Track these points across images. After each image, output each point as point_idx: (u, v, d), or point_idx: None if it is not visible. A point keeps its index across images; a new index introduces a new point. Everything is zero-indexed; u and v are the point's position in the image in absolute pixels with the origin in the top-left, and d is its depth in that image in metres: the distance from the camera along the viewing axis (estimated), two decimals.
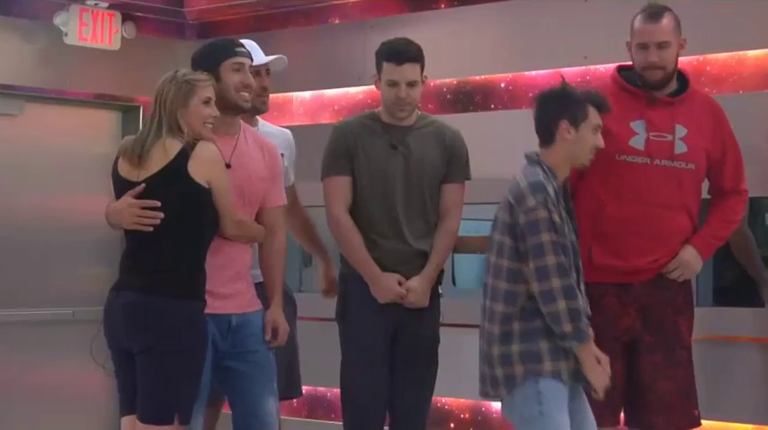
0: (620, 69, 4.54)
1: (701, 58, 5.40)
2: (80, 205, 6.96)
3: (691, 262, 4.43)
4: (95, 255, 6.98)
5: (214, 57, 4.35)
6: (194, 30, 7.29)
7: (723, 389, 5.24)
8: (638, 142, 4.40)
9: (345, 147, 4.61)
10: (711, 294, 5.36)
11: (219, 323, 4.24)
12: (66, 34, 6.58)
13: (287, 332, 4.41)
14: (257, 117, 4.77)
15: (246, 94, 4.35)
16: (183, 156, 4.08)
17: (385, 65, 4.53)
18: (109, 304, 4.21)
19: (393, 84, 4.51)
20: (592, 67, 5.70)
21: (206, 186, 4.10)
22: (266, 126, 4.82)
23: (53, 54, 6.66)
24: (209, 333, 4.19)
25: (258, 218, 4.40)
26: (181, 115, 4.11)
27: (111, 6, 6.71)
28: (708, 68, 5.39)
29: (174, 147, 4.08)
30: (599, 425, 4.20)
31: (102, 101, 6.99)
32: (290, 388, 4.81)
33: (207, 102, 4.15)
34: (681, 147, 4.40)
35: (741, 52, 5.31)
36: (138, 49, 6.93)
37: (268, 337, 4.36)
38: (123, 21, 6.82)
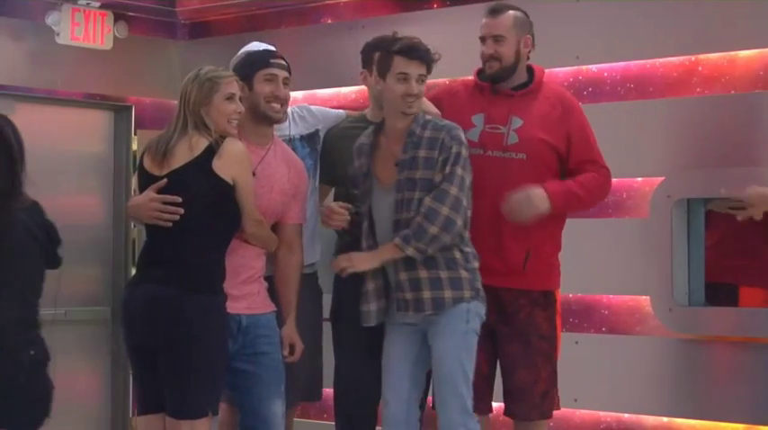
0: (479, 71, 4.67)
1: (693, 58, 5.41)
2: (72, 205, 6.95)
3: (528, 197, 4.35)
4: (88, 255, 6.97)
5: (249, 67, 4.41)
6: (186, 30, 7.29)
7: (714, 389, 5.25)
8: (474, 134, 4.51)
9: (325, 157, 4.75)
10: (703, 294, 5.36)
11: (229, 323, 4.25)
12: (57, 34, 6.57)
13: (302, 349, 4.45)
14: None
15: (277, 106, 4.39)
16: (210, 152, 4.10)
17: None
18: (127, 298, 4.21)
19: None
20: (584, 66, 5.71)
21: (230, 182, 4.12)
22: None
23: (45, 54, 6.65)
24: None
25: (276, 233, 4.42)
26: (205, 112, 4.13)
27: (103, 6, 6.70)
28: (699, 69, 5.40)
29: (200, 143, 4.11)
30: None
31: (93, 101, 6.98)
32: (309, 390, 4.83)
33: (230, 98, 4.16)
34: (513, 138, 4.49)
35: (732, 52, 5.31)
36: (130, 49, 6.92)
37: (285, 353, 4.40)
38: (115, 20, 6.81)
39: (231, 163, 4.12)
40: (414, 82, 4.31)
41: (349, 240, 4.51)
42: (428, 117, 4.38)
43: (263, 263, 4.40)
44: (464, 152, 4.29)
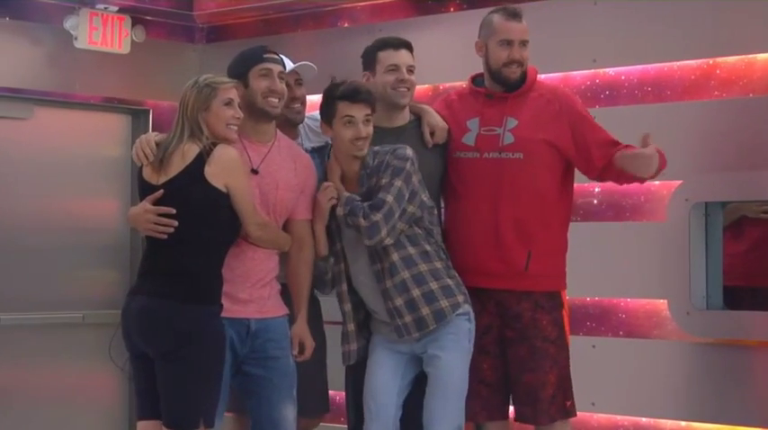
0: (474, 77, 4.68)
1: (711, 61, 5.40)
2: (89, 208, 6.98)
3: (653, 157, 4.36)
4: (105, 258, 6.99)
5: (243, 64, 4.38)
6: (204, 33, 7.30)
7: (732, 393, 5.23)
8: (469, 138, 4.54)
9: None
10: (722, 297, 5.35)
11: (238, 327, 4.25)
12: (75, 38, 6.59)
13: (313, 347, 4.43)
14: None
15: (274, 100, 4.34)
16: (200, 160, 4.09)
17: (381, 54, 4.60)
18: (125, 308, 4.22)
19: (394, 68, 4.57)
20: (601, 70, 5.70)
21: (224, 190, 4.10)
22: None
23: (63, 58, 6.67)
24: (227, 336, 4.20)
25: (286, 230, 4.40)
26: (202, 118, 4.13)
27: (120, 10, 6.72)
28: (717, 72, 5.38)
29: (191, 151, 4.09)
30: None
31: (111, 104, 7.00)
32: (321, 404, 4.85)
33: (229, 103, 4.16)
34: (508, 139, 4.49)
35: (750, 55, 5.30)
36: (148, 53, 6.94)
37: (295, 352, 4.38)
38: (133, 24, 6.83)
39: (221, 170, 4.09)
40: (361, 124, 4.34)
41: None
42: (376, 147, 4.40)
43: (275, 264, 4.38)
44: (408, 166, 4.29)
